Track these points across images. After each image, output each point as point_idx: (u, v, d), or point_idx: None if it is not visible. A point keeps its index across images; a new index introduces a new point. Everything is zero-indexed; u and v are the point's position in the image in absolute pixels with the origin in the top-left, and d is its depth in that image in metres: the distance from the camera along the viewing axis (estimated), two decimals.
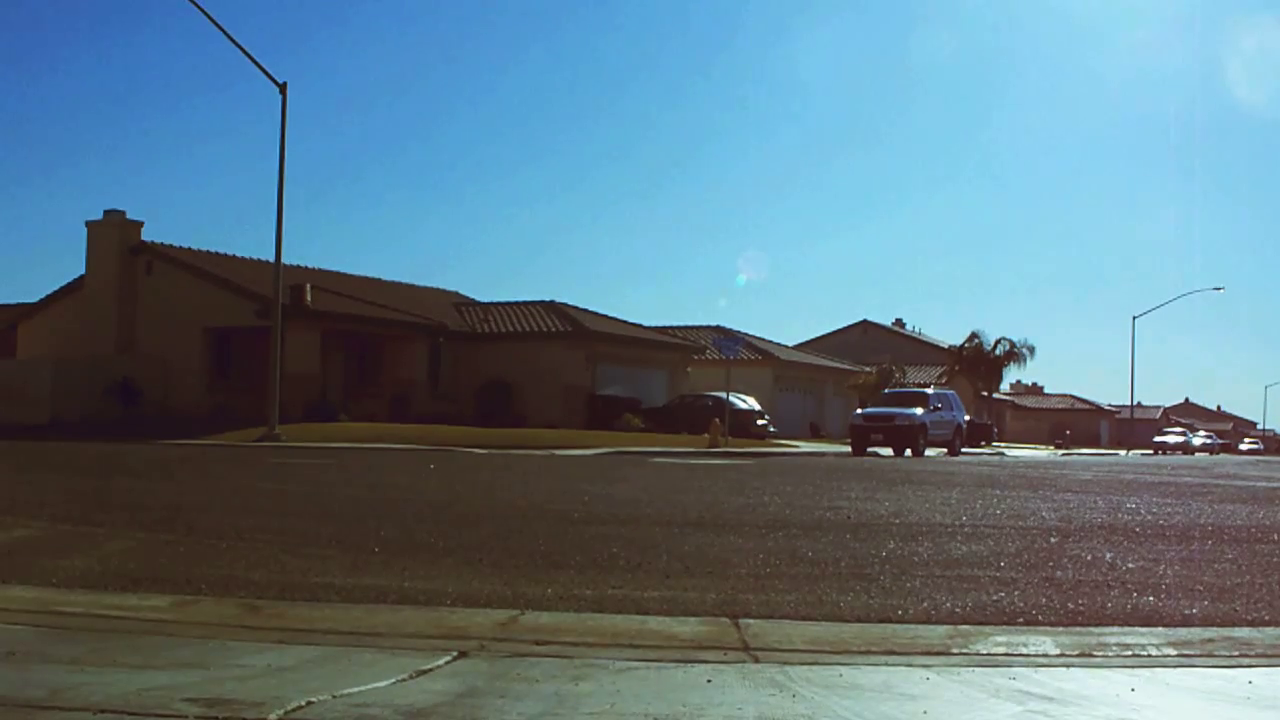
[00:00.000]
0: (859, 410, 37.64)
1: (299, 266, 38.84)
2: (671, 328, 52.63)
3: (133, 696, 2.90)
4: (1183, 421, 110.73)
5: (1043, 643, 3.78)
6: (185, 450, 21.88)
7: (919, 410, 32.85)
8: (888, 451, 31.89)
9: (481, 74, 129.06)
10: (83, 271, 38.05)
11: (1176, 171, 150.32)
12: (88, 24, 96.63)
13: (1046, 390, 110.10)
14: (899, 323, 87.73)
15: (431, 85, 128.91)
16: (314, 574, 5.06)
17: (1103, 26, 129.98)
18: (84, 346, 36.60)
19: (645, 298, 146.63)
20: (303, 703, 2.87)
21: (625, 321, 46.87)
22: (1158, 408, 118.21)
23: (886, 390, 41.62)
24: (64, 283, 39.46)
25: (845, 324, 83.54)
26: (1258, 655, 3.65)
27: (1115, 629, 4.07)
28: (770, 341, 58.51)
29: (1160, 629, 4.07)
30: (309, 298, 35.03)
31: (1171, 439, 78.89)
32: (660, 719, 2.80)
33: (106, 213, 37.35)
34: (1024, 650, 3.67)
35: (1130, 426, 78.06)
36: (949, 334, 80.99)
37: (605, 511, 8.57)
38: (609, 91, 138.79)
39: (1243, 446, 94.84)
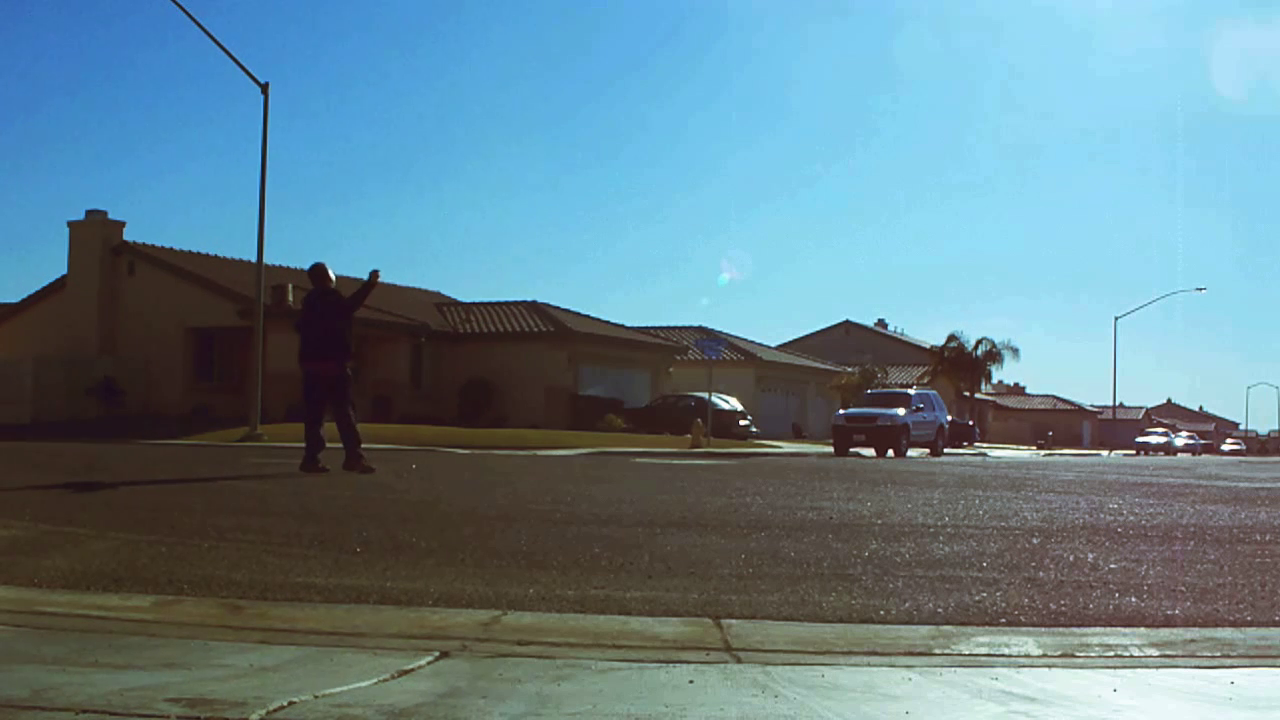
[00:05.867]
0: (841, 411, 37.74)
1: (281, 266, 38.70)
2: (653, 328, 52.66)
3: (115, 696, 2.89)
4: (1165, 422, 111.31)
5: (1025, 643, 3.79)
6: (167, 450, 21.79)
7: (901, 411, 32.94)
8: (870, 452, 31.97)
9: (465, 74, 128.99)
10: (64, 271, 37.91)
11: (1159, 172, 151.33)
12: (66, 20, 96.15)
13: (1029, 391, 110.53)
14: (881, 323, 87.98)
15: (413, 84, 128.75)
16: (296, 574, 5.04)
17: (1085, 29, 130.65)
18: (66, 346, 36.46)
19: (627, 298, 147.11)
20: (285, 703, 2.86)
21: (607, 322, 46.88)
22: (1140, 408, 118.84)
23: (869, 391, 41.68)
24: (45, 283, 39.35)
25: (827, 324, 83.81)
26: (1240, 656, 3.67)
27: (1097, 629, 4.08)
28: (752, 342, 58.63)
29: (1142, 629, 4.09)
30: (291, 298, 34.74)
31: (1154, 440, 79.29)
32: (642, 719, 2.80)
33: (88, 213, 37.22)
34: (1006, 651, 3.68)
35: (1113, 427, 78.46)
36: (931, 335, 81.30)
37: (587, 512, 8.56)
38: (593, 92, 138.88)
39: (1225, 447, 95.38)
